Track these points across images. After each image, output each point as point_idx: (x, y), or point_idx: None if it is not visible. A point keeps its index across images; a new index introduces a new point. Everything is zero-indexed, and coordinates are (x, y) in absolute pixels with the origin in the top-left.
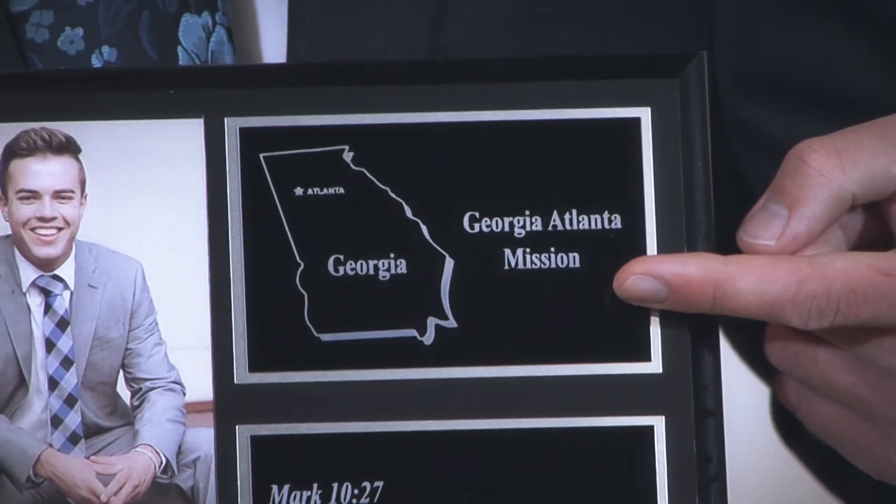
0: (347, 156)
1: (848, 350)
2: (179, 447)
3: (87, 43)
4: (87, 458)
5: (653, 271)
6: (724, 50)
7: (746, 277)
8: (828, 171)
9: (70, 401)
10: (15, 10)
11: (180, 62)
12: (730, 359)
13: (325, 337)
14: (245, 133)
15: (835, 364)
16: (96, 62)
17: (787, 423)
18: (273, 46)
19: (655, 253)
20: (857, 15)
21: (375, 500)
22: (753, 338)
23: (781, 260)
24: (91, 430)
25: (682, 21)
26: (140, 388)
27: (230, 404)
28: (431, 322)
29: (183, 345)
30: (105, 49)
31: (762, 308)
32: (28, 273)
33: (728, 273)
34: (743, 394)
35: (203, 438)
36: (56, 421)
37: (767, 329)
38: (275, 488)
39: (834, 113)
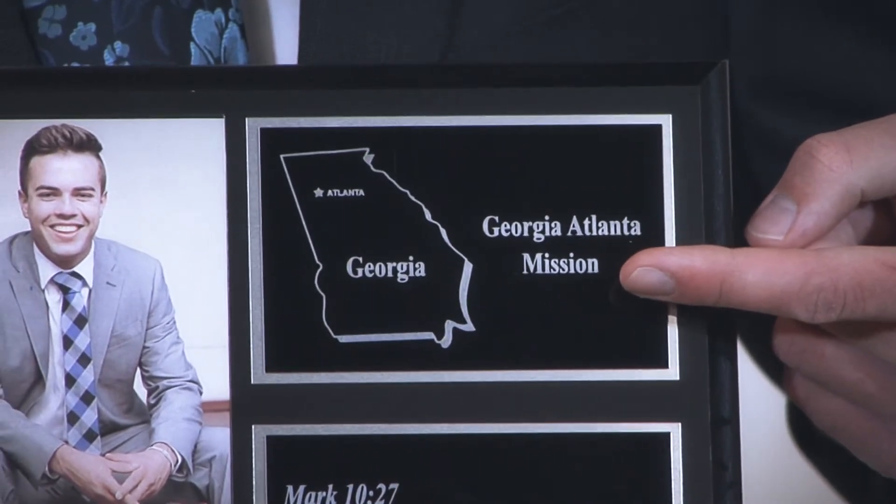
0: (368, 158)
1: (855, 345)
2: (195, 446)
3: (99, 38)
4: (103, 455)
5: (659, 263)
6: (739, 54)
7: (753, 270)
8: (837, 167)
9: (87, 398)
10: (28, 6)
11: (193, 59)
12: (746, 366)
13: (343, 338)
14: (266, 133)
15: (842, 359)
16: (108, 58)
17: (804, 430)
18: (285, 44)
19: None
20: (873, 19)
21: (390, 502)
22: (770, 345)
23: (789, 253)
24: (107, 428)
25: (698, 24)
26: (157, 387)
27: (247, 404)
28: (449, 325)
29: (200, 344)
30: (117, 45)
31: (769, 301)
32: (47, 270)
33: (735, 265)
34: (759, 401)
35: (219, 438)
36: (72, 418)
37: (775, 324)
38: (290, 488)
39: (849, 117)
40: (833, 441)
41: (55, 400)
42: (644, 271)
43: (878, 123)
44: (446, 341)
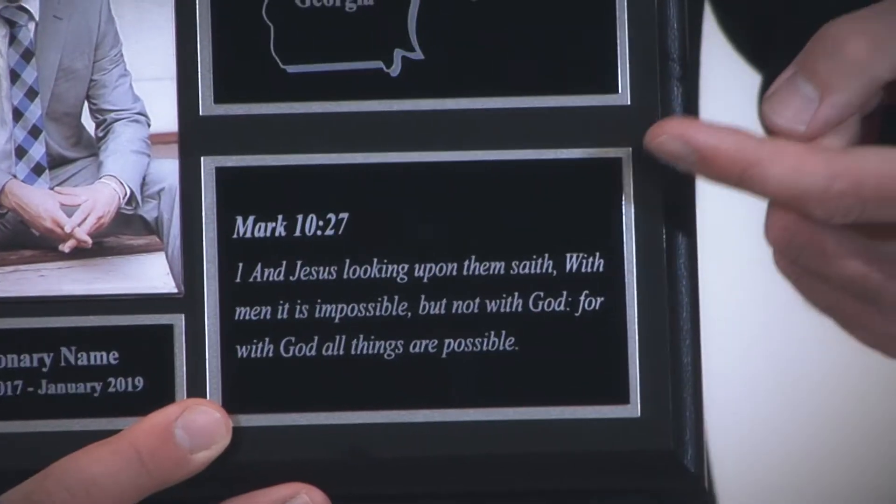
0: None
1: (862, 240)
2: (144, 178)
3: None
4: (52, 189)
5: (687, 136)
6: None
7: (779, 164)
8: (864, 60)
9: (34, 132)
10: None
11: None
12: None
13: (291, 68)
14: None
15: (846, 255)
16: None
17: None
18: None
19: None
20: None
21: (340, 231)
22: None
23: (815, 151)
24: (55, 161)
25: None
26: (105, 120)
27: (195, 135)
28: (398, 54)
29: (148, 76)
30: None
31: (788, 198)
32: None
33: (761, 156)
34: None
35: (168, 170)
36: (20, 152)
37: (771, 215)
38: (239, 219)
39: None
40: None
41: (3, 134)
42: (669, 140)
43: None
44: (395, 70)
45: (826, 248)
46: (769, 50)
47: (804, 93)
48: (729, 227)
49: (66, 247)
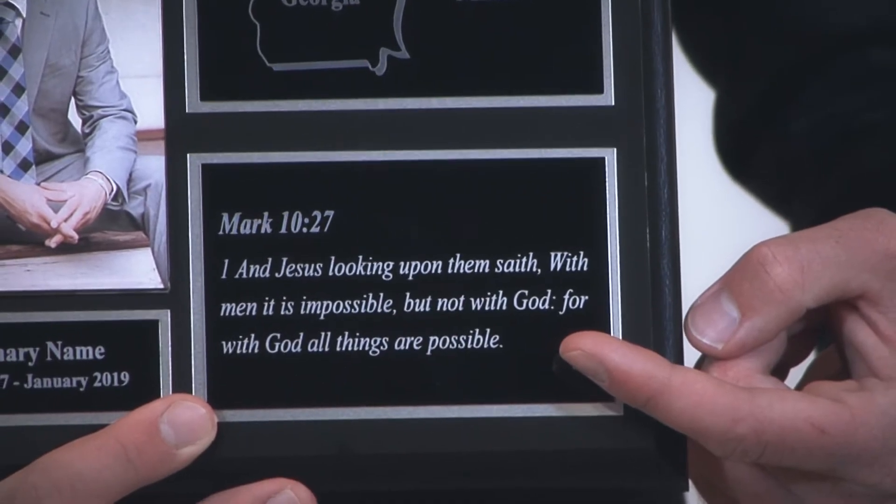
0: None
1: (764, 477)
2: (130, 175)
3: None
4: (38, 184)
5: (601, 356)
6: None
7: (684, 399)
8: (788, 289)
9: (21, 127)
10: None
11: None
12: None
13: (277, 67)
14: None
15: (748, 492)
16: None
17: (734, 157)
18: None
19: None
20: None
21: (326, 229)
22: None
23: (722, 391)
24: (42, 157)
25: None
26: (91, 116)
27: (181, 132)
28: (384, 53)
29: (135, 73)
30: None
31: (689, 431)
32: None
33: (668, 387)
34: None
35: (154, 166)
36: (7, 147)
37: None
38: (225, 216)
39: None
40: (763, 169)
41: None
42: (582, 356)
43: (832, 232)
44: (381, 69)
45: (728, 482)
46: (721, 69)
47: (725, 309)
48: (712, 226)
49: (52, 242)
